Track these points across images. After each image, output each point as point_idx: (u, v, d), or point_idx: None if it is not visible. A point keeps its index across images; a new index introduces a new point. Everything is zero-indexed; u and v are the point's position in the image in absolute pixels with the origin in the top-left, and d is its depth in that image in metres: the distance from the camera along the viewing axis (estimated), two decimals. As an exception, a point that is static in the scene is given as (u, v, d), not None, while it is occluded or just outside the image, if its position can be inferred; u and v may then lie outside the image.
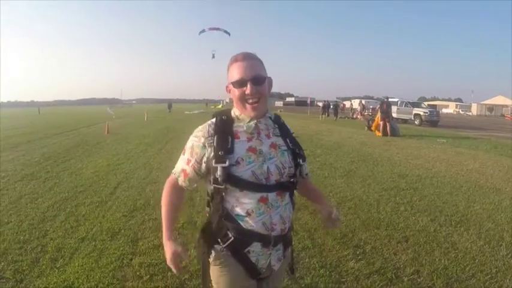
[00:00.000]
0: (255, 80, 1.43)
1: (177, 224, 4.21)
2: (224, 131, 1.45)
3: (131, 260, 3.35)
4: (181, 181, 1.54)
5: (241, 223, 1.43)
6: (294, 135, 1.63)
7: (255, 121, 1.49)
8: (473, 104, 76.21)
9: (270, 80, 1.55)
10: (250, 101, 1.45)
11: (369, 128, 17.68)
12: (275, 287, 1.65)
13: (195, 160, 1.48)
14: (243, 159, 1.40)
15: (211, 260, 1.50)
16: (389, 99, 18.16)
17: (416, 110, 26.64)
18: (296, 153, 1.54)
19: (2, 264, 3.24)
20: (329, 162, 8.51)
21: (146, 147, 11.19)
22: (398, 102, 28.02)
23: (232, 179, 1.39)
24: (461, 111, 75.74)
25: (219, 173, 1.38)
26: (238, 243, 1.45)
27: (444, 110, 71.46)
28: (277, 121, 1.60)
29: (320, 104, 40.30)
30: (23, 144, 11.82)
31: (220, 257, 1.47)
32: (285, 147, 1.52)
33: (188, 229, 4.08)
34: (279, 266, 1.56)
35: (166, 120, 27.28)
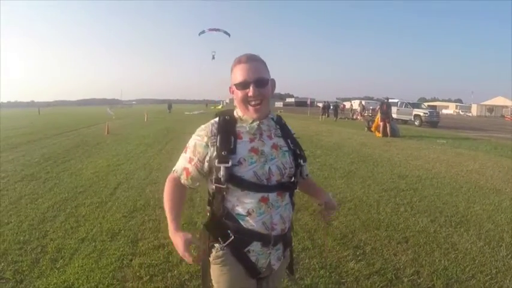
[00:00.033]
0: (258, 83, 1.44)
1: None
2: (227, 131, 1.46)
3: (131, 260, 3.35)
4: (183, 179, 1.54)
5: (242, 222, 1.44)
6: (294, 135, 1.64)
7: (258, 122, 1.50)
8: (473, 105, 76.25)
9: (273, 82, 1.56)
10: (253, 103, 1.46)
11: (369, 128, 17.68)
12: (275, 286, 1.66)
13: (198, 159, 1.48)
14: (245, 160, 1.41)
15: (211, 258, 1.51)
16: (389, 100, 18.15)
17: (416, 111, 26.64)
18: (297, 154, 1.56)
19: (2, 264, 3.24)
20: (329, 163, 8.51)
21: (146, 147, 11.19)
22: (398, 103, 28.02)
23: (234, 179, 1.40)
24: (461, 112, 75.76)
25: (222, 172, 1.39)
26: (239, 243, 1.46)
27: (444, 111, 71.46)
28: (279, 122, 1.61)
29: (320, 104, 40.34)
30: (23, 145, 11.82)
31: (220, 255, 1.48)
32: (286, 148, 1.54)
33: (188, 230, 4.07)
34: (278, 265, 1.57)
35: (166, 121, 27.28)
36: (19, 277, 3.03)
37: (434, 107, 43.39)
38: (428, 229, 4.25)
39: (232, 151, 1.41)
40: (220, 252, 1.48)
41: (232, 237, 1.45)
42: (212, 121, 1.52)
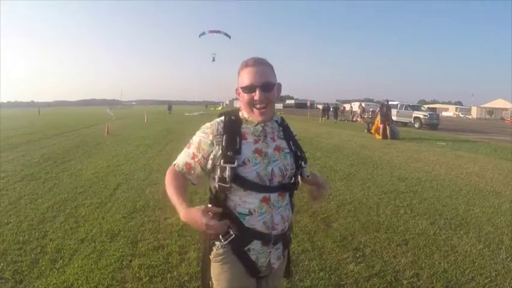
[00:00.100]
0: (264, 87, 1.47)
1: (176, 227, 4.21)
2: (233, 131, 1.48)
3: (131, 261, 3.34)
4: (185, 174, 1.55)
5: (243, 221, 1.47)
6: (296, 137, 1.67)
7: (262, 125, 1.53)
8: (473, 107, 76.34)
9: (279, 86, 1.58)
10: (258, 106, 1.48)
11: (369, 130, 17.70)
12: (274, 286, 1.67)
13: (202, 156, 1.49)
14: (249, 161, 1.44)
15: (212, 256, 1.52)
16: (389, 102, 18.17)
17: (416, 113, 26.68)
18: (298, 155, 1.59)
19: (2, 264, 3.24)
20: (329, 165, 8.51)
21: (146, 148, 11.19)
22: (398, 105, 28.05)
23: (238, 179, 1.42)
24: (461, 115, 75.85)
25: (227, 172, 1.41)
26: (239, 241, 1.48)
27: (444, 113, 71.52)
28: (282, 124, 1.63)
29: (320, 106, 40.34)
30: (23, 145, 11.82)
31: (221, 253, 1.50)
32: (288, 150, 1.57)
33: (188, 231, 4.07)
34: (278, 264, 1.60)
35: (166, 122, 27.29)
36: (18, 277, 3.02)
37: (434, 109, 43.40)
38: (428, 231, 4.25)
39: (238, 151, 1.43)
40: (221, 250, 1.50)
41: (234, 235, 1.47)
42: (218, 120, 1.54)
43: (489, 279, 3.16)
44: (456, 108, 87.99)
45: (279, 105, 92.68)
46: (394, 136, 15.54)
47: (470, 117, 68.85)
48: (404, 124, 26.54)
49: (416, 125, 25.94)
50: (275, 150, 1.52)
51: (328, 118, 33.02)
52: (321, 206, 5.09)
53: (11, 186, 6.11)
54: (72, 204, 5.09)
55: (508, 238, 4.10)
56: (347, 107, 48.05)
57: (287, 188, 1.55)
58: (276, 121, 1.61)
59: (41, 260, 3.33)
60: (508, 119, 54.93)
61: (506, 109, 67.76)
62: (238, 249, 1.49)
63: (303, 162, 1.60)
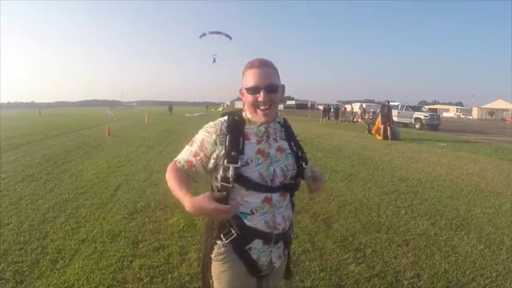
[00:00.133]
0: (269, 88, 1.47)
1: (177, 227, 4.21)
2: (236, 132, 1.49)
3: (131, 262, 3.35)
4: (186, 171, 1.53)
5: (245, 221, 1.47)
6: (297, 138, 1.68)
7: (266, 125, 1.53)
8: (473, 108, 76.32)
9: (283, 88, 1.59)
10: (262, 107, 1.49)
11: (369, 131, 17.70)
12: (275, 285, 1.68)
13: (204, 154, 1.50)
14: (252, 161, 1.45)
15: (213, 255, 1.52)
16: (390, 103, 18.17)
17: (416, 114, 26.68)
18: (299, 156, 1.60)
19: (2, 265, 3.24)
20: (329, 166, 8.51)
21: (147, 149, 11.19)
22: (399, 106, 28.05)
23: (241, 179, 1.43)
24: (461, 115, 75.82)
25: (231, 172, 1.42)
26: (241, 240, 1.49)
27: (445, 114, 71.52)
28: (284, 125, 1.65)
29: (321, 107, 40.33)
30: (24, 146, 11.83)
31: (222, 252, 1.50)
32: (289, 151, 1.58)
33: (188, 231, 4.08)
34: (279, 263, 1.61)
35: (167, 123, 27.30)
36: (19, 278, 3.03)
37: (435, 110, 43.37)
38: (429, 232, 4.24)
39: (241, 152, 1.44)
40: (222, 249, 1.50)
41: (235, 234, 1.48)
42: (222, 119, 1.54)
43: (490, 279, 3.16)
44: (457, 109, 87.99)
45: (279, 106, 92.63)
46: (395, 137, 15.54)
47: (471, 117, 68.83)
48: (405, 125, 26.54)
49: (417, 126, 25.94)
50: (277, 151, 1.53)
51: (329, 119, 33.01)
52: (321, 206, 5.09)
53: (12, 187, 6.11)
54: (73, 205, 5.09)
55: (509, 239, 4.10)
56: (348, 107, 48.07)
57: (288, 188, 1.56)
58: (279, 122, 1.62)
59: (41, 261, 3.34)
60: (509, 120, 54.90)
61: (507, 110, 67.73)
62: (239, 248, 1.50)
63: (303, 163, 1.61)
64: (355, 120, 35.12)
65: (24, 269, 3.16)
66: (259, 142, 1.51)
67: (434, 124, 25.58)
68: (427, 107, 40.71)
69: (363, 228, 4.33)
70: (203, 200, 1.31)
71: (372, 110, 39.81)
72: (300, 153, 1.61)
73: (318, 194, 1.71)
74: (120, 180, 6.74)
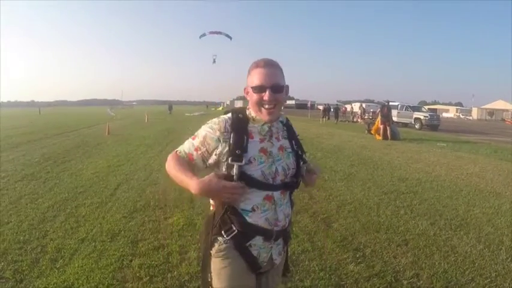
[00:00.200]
0: (274, 88, 1.49)
1: (177, 227, 4.22)
2: (240, 130, 1.50)
3: (131, 261, 3.35)
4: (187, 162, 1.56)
5: (246, 217, 1.49)
6: (298, 137, 1.70)
7: (269, 125, 1.55)
8: (473, 108, 76.36)
9: (287, 88, 1.61)
10: (267, 106, 1.51)
11: (369, 131, 17.71)
12: (274, 281, 1.70)
13: (206, 150, 1.51)
14: (255, 159, 1.47)
15: (213, 252, 1.54)
16: (390, 103, 18.17)
17: (416, 114, 26.71)
18: (299, 155, 1.62)
19: (2, 264, 3.24)
20: (329, 166, 8.51)
21: (146, 148, 11.20)
22: (399, 106, 28.07)
23: (243, 177, 1.45)
24: (461, 116, 75.85)
25: (235, 171, 1.44)
26: (241, 237, 1.50)
27: (444, 114, 71.54)
28: (286, 124, 1.67)
29: (320, 107, 40.32)
30: (23, 145, 11.83)
31: (222, 249, 1.52)
32: (290, 150, 1.60)
33: (188, 231, 4.08)
34: (279, 260, 1.64)
35: (167, 122, 27.30)
36: (19, 277, 3.03)
37: (434, 110, 43.41)
38: (428, 232, 4.25)
39: (244, 150, 1.46)
40: (223, 245, 1.52)
41: (236, 231, 1.49)
42: (226, 117, 1.55)
43: (489, 279, 3.16)
44: (457, 109, 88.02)
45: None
46: (395, 137, 15.55)
47: (470, 118, 68.86)
48: (405, 125, 26.55)
49: (416, 126, 25.96)
50: (279, 149, 1.55)
51: (328, 119, 33.01)
52: (321, 206, 5.10)
53: (12, 186, 6.11)
54: (73, 204, 5.09)
55: (508, 239, 4.10)
56: (348, 107, 48.07)
57: (289, 186, 1.59)
58: (282, 121, 1.65)
59: (41, 260, 3.33)
60: (509, 120, 54.95)
61: (506, 110, 67.77)
62: (240, 244, 1.51)
63: (302, 162, 1.63)
64: (355, 120, 35.13)
65: (23, 268, 3.16)
66: (262, 140, 1.53)
67: (434, 124, 25.61)
68: (426, 107, 40.73)
69: (363, 228, 4.33)
70: (210, 179, 1.38)
71: (371, 110, 39.82)
72: (299, 152, 1.63)
73: (313, 186, 1.74)
74: (119, 179, 6.74)
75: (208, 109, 73.51)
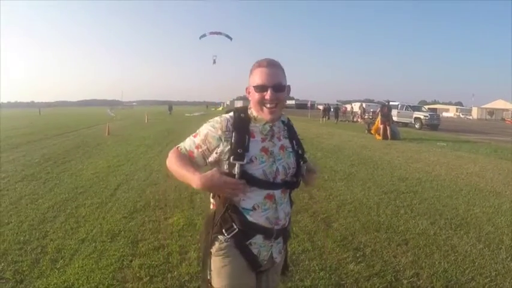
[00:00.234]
0: (276, 88, 1.51)
1: (177, 227, 4.22)
2: (242, 129, 1.51)
3: (131, 261, 3.35)
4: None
5: (247, 216, 1.50)
6: (299, 137, 1.72)
7: (271, 124, 1.56)
8: (473, 108, 76.29)
9: (289, 88, 1.62)
10: (268, 105, 1.52)
11: (369, 131, 17.70)
12: (274, 280, 1.71)
13: (207, 148, 1.53)
14: (256, 158, 1.48)
15: (214, 250, 1.54)
16: (390, 103, 18.17)
17: (416, 114, 26.70)
18: (299, 154, 1.64)
19: (2, 264, 3.24)
20: (329, 165, 8.51)
21: (146, 149, 11.20)
22: (399, 106, 28.06)
23: (245, 176, 1.46)
24: (461, 115, 75.81)
25: (237, 170, 1.45)
26: (242, 235, 1.52)
27: (444, 114, 71.49)
28: (287, 124, 1.68)
29: (320, 107, 40.31)
30: (23, 145, 11.83)
31: (223, 248, 1.53)
32: (291, 149, 1.61)
33: (188, 231, 4.08)
34: (280, 258, 1.66)
35: (167, 122, 27.30)
36: (19, 277, 3.03)
37: (434, 109, 43.37)
38: (428, 231, 4.25)
39: (246, 149, 1.47)
40: (224, 244, 1.53)
41: (237, 229, 1.50)
42: (227, 116, 1.56)
43: (489, 279, 3.16)
44: (457, 109, 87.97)
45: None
46: (395, 136, 15.55)
47: (470, 117, 68.80)
48: (405, 125, 26.54)
49: (416, 126, 25.94)
50: (280, 149, 1.57)
51: (328, 119, 33.00)
52: (321, 206, 5.10)
53: (12, 187, 6.11)
54: (73, 205, 5.09)
55: (508, 238, 4.10)
56: (348, 107, 48.06)
57: (290, 185, 1.60)
58: (283, 121, 1.66)
59: (41, 260, 3.34)
60: (509, 120, 54.91)
61: (506, 110, 67.72)
62: (240, 243, 1.52)
63: (302, 162, 1.64)
64: (355, 120, 35.12)
65: (24, 269, 3.16)
66: (263, 140, 1.54)
67: (434, 124, 25.60)
68: (426, 106, 40.73)
69: (363, 227, 4.33)
70: (212, 174, 1.41)
71: (371, 110, 39.81)
72: (300, 152, 1.64)
73: (313, 186, 1.76)
74: (119, 179, 6.74)
75: (208, 109, 73.54)
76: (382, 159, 9.80)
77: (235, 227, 1.50)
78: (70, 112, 63.63)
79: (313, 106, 48.77)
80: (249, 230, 1.51)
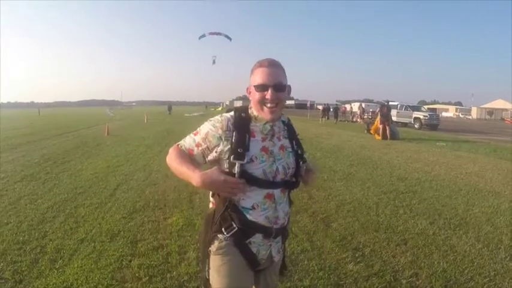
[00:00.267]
0: (276, 87, 1.51)
1: (176, 227, 4.22)
2: (243, 128, 1.52)
3: (130, 261, 3.35)
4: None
5: (247, 215, 1.51)
6: (298, 137, 1.73)
7: (271, 124, 1.57)
8: (473, 108, 76.40)
9: (289, 88, 1.63)
10: (269, 105, 1.52)
11: (368, 131, 17.72)
12: (272, 279, 1.72)
13: (207, 147, 1.53)
14: (256, 158, 1.49)
15: (213, 249, 1.55)
16: (390, 103, 18.18)
17: (416, 114, 26.72)
18: (298, 154, 1.65)
19: (1, 264, 3.24)
20: (328, 165, 8.52)
21: (146, 149, 11.20)
22: (398, 106, 28.08)
23: (244, 175, 1.46)
24: (461, 115, 75.89)
25: (237, 169, 1.45)
26: (241, 234, 1.52)
27: (444, 114, 71.56)
28: (288, 124, 1.70)
29: (320, 107, 40.33)
30: (23, 145, 11.82)
31: (222, 246, 1.53)
32: (291, 149, 1.62)
33: (187, 231, 4.08)
34: (278, 257, 1.67)
35: (166, 123, 27.29)
36: (18, 277, 3.03)
37: (434, 109, 43.46)
38: (427, 231, 4.25)
39: (246, 148, 1.48)
40: (223, 243, 1.53)
41: (236, 228, 1.51)
42: (228, 115, 1.56)
43: (488, 278, 3.17)
44: (456, 109, 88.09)
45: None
46: (394, 136, 15.56)
47: (470, 117, 68.87)
48: (404, 124, 26.57)
49: (416, 126, 25.96)
50: (280, 149, 1.58)
51: (328, 119, 33.03)
52: (320, 206, 5.10)
53: (11, 187, 6.11)
54: (72, 205, 5.09)
55: (507, 238, 4.11)
56: (347, 107, 48.08)
57: (289, 185, 1.61)
58: (283, 121, 1.67)
59: (40, 260, 3.33)
60: (508, 120, 54.99)
61: (506, 109, 67.79)
62: (240, 241, 1.53)
63: (301, 162, 1.65)
64: (354, 120, 35.15)
65: (23, 269, 3.16)
66: (264, 140, 1.54)
67: (433, 124, 25.62)
68: (426, 106, 40.76)
69: (362, 227, 4.33)
70: (212, 172, 1.42)
71: (371, 110, 39.83)
72: (299, 151, 1.65)
73: (312, 185, 1.78)
74: (119, 179, 6.74)
75: (207, 109, 73.51)
76: (382, 159, 9.81)
77: (234, 225, 1.51)
78: (69, 112, 63.60)
79: (312, 106, 48.82)
80: (248, 228, 1.52)
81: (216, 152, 1.51)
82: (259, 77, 1.52)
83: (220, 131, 1.51)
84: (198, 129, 1.59)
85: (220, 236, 1.54)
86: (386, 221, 4.58)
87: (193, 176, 1.43)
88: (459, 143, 14.85)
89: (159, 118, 34.59)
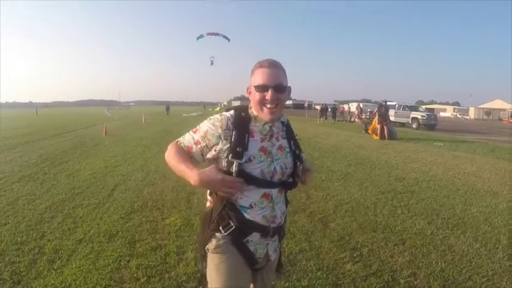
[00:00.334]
0: (277, 88, 1.52)
1: (174, 227, 4.22)
2: (242, 128, 1.52)
3: (128, 262, 3.34)
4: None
5: (244, 214, 1.52)
6: (296, 137, 1.74)
7: (270, 124, 1.58)
8: (471, 108, 76.54)
9: (289, 89, 1.64)
10: (269, 106, 1.53)
11: (366, 131, 17.74)
12: (269, 278, 1.74)
13: (206, 145, 1.54)
14: (254, 158, 1.49)
15: (211, 247, 1.55)
16: (387, 103, 18.20)
17: (414, 114, 26.75)
18: (296, 154, 1.66)
19: (0, 265, 3.24)
20: (326, 165, 8.52)
21: (144, 149, 11.18)
22: (396, 106, 28.13)
23: (242, 175, 1.47)
24: (458, 115, 76.00)
25: (234, 168, 1.46)
26: (239, 232, 1.53)
27: (442, 114, 71.68)
28: (286, 124, 1.71)
29: (318, 107, 40.35)
30: (21, 146, 11.79)
31: (220, 245, 1.54)
32: (288, 149, 1.63)
33: (185, 231, 4.08)
34: (275, 256, 1.68)
35: (164, 123, 27.26)
36: (16, 278, 3.02)
37: (432, 109, 43.51)
38: (425, 231, 4.26)
39: (245, 148, 1.48)
40: (221, 241, 1.54)
41: (234, 226, 1.52)
42: (228, 115, 1.57)
43: (486, 278, 3.18)
44: (454, 109, 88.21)
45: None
46: (392, 136, 15.58)
47: (468, 117, 68.98)
48: (402, 124, 26.61)
49: (414, 126, 26.00)
50: (278, 149, 1.58)
51: (326, 119, 33.05)
52: (318, 206, 5.11)
53: (9, 187, 6.09)
54: (70, 205, 5.08)
55: (505, 238, 4.12)
56: (345, 107, 48.11)
57: (287, 185, 1.63)
58: (282, 122, 1.68)
59: (38, 261, 3.33)
60: (506, 120, 55.14)
61: (504, 109, 67.93)
62: (237, 240, 1.54)
63: (298, 162, 1.66)
64: (352, 120, 35.17)
65: (21, 269, 3.16)
66: (262, 140, 1.55)
67: (431, 124, 25.65)
68: (424, 106, 40.80)
69: (360, 227, 4.34)
70: (210, 171, 1.41)
71: (369, 110, 39.85)
72: (297, 152, 1.66)
73: (310, 184, 1.80)
74: (117, 180, 6.73)
75: (205, 109, 73.47)
76: (379, 159, 9.83)
77: (232, 224, 1.52)
78: (67, 112, 63.45)
79: (310, 106, 48.81)
80: (246, 227, 1.53)
81: (215, 150, 1.52)
82: (259, 77, 1.53)
83: (219, 130, 1.51)
84: (197, 127, 1.60)
85: (218, 234, 1.54)
86: (384, 220, 4.59)
87: (191, 175, 1.44)
88: (457, 143, 14.89)
89: (157, 118, 34.56)
